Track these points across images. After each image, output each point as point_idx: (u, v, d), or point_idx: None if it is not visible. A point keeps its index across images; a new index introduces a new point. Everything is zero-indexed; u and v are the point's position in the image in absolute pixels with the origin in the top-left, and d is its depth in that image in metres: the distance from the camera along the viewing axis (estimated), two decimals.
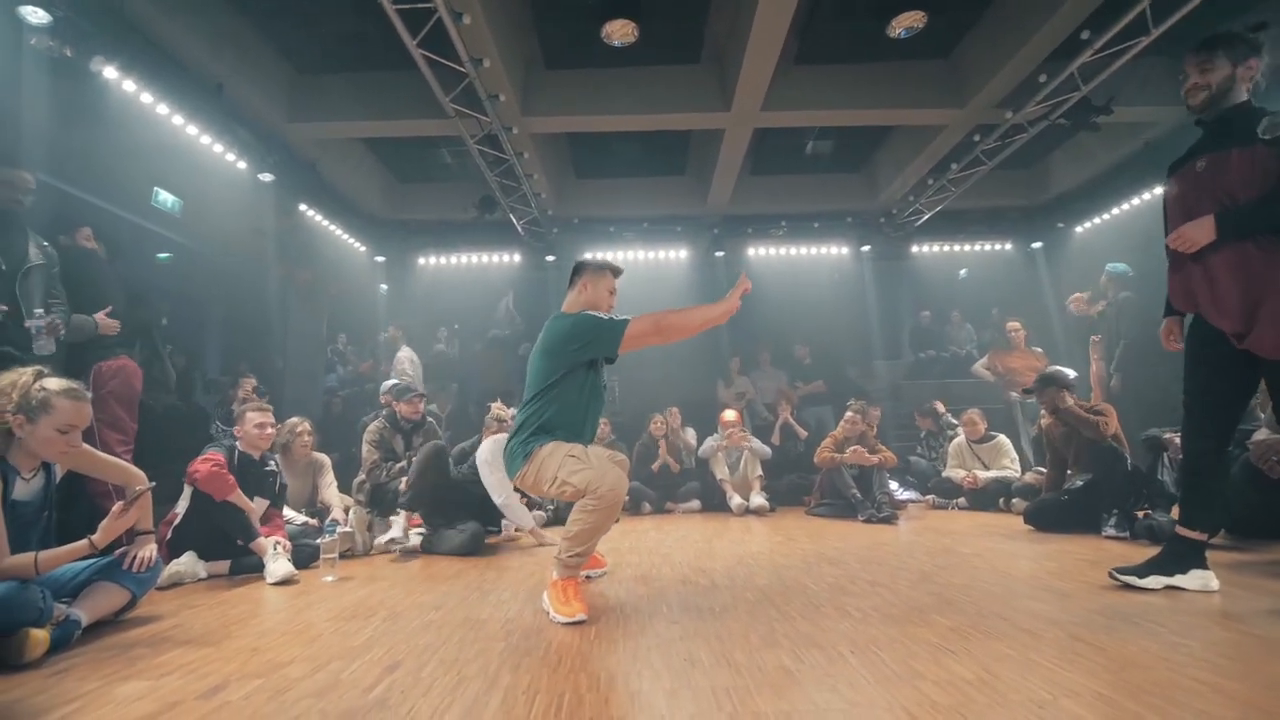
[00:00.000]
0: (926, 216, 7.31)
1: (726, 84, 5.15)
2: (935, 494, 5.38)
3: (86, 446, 1.92)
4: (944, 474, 5.39)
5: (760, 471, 5.53)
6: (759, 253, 8.14)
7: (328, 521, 3.49)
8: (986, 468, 5.16)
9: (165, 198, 5.09)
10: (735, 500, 5.32)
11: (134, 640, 1.81)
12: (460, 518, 3.57)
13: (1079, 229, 7.46)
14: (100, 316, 3.17)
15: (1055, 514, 3.72)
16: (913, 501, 5.58)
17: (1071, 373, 4.12)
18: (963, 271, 8.79)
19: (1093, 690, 1.33)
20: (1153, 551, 2.33)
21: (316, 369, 7.53)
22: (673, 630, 1.88)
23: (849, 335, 8.37)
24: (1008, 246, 8.30)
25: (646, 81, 5.34)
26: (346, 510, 3.63)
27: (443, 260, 8.14)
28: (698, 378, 7.65)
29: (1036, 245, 8.04)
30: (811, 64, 5.30)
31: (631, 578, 2.71)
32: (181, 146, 4.51)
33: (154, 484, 2.02)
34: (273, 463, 3.26)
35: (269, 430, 3.12)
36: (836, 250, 8.25)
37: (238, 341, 6.99)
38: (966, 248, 8.35)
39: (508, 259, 8.00)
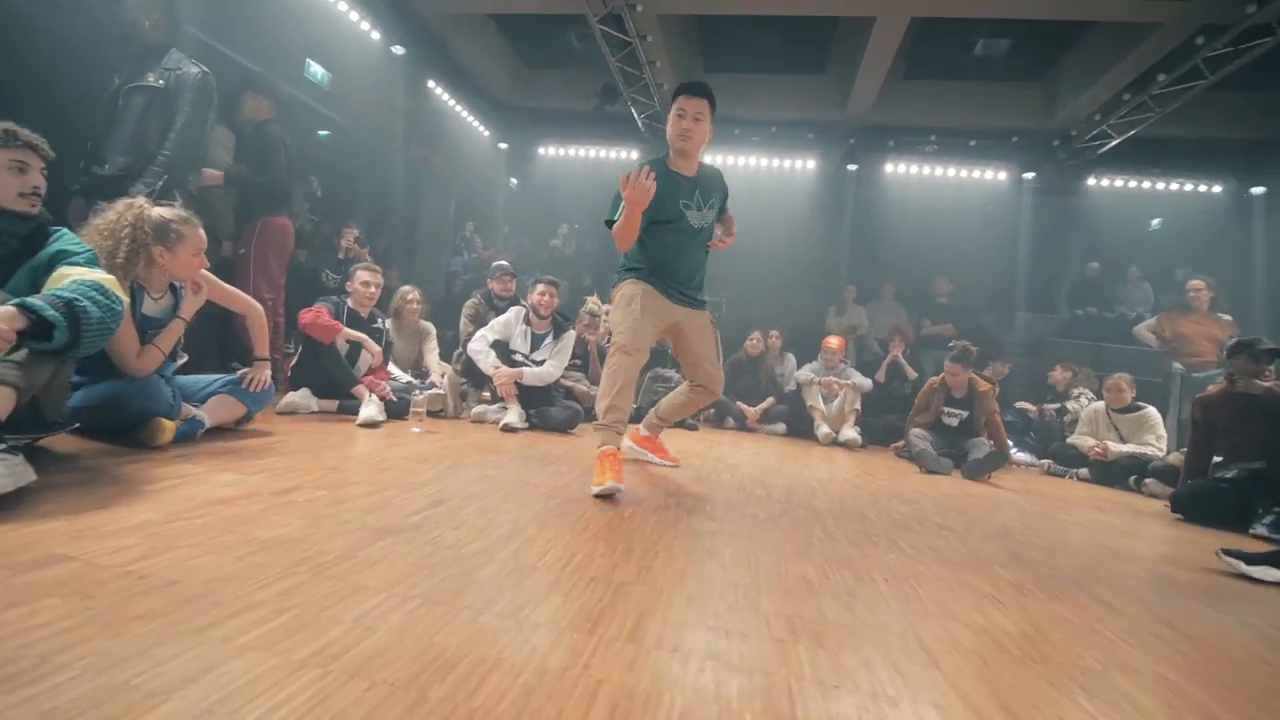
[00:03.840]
0: (1115, 142, 6.07)
1: None
2: (1054, 459, 4.83)
3: (213, 276, 2.19)
4: (1069, 439, 4.80)
5: (858, 405, 5.25)
6: (898, 170, 7.30)
7: (425, 382, 3.83)
8: (1124, 440, 4.51)
9: (316, 70, 5.40)
10: (822, 430, 5.13)
11: (242, 446, 2.12)
12: (556, 400, 3.80)
13: None
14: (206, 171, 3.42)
15: (1210, 503, 3.16)
16: (1026, 465, 5.06)
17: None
18: (1155, 221, 7.33)
19: (1157, 673, 1.14)
20: None
21: (442, 250, 8.02)
22: (706, 525, 1.87)
23: (992, 278, 7.41)
24: (1216, 189, 6.76)
25: None
26: (443, 375, 3.93)
27: (562, 152, 8.11)
28: (808, 304, 7.24)
29: (1258, 190, 6.46)
30: None
31: (688, 476, 2.72)
32: (327, 18, 4.72)
33: (269, 299, 2.26)
34: (380, 322, 3.54)
35: (373, 290, 3.36)
36: (994, 175, 7.16)
37: (376, 217, 7.57)
38: (1160, 186, 6.89)
39: (626, 155, 7.81)
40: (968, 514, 2.62)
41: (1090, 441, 4.56)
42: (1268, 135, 6.08)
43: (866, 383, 5.35)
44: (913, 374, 5.61)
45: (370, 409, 2.89)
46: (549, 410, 3.70)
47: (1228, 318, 5.43)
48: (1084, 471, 4.56)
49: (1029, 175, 6.97)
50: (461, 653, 0.91)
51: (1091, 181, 6.93)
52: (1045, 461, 4.90)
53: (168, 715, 0.69)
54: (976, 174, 7.19)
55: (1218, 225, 6.77)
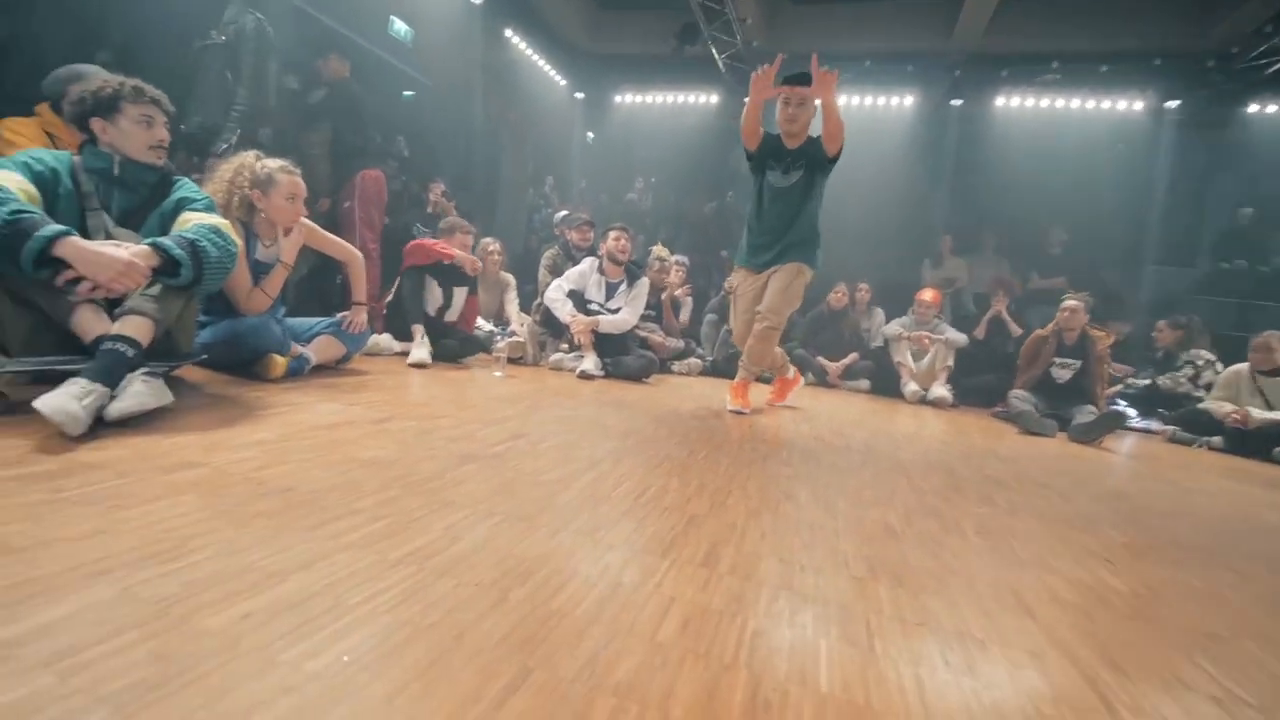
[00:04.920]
0: None
1: None
2: (1179, 426, 4.33)
3: (312, 224, 2.34)
4: (1202, 405, 4.28)
5: (950, 363, 4.94)
6: (1011, 104, 6.55)
7: (507, 330, 3.96)
8: (1270, 407, 3.97)
9: (400, 27, 5.52)
10: (910, 387, 4.87)
11: (343, 381, 2.29)
12: (631, 349, 3.84)
13: None
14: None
15: None
16: (1148, 431, 4.58)
17: None
18: None
19: None
20: None
21: (521, 205, 8.14)
22: (783, 470, 1.84)
23: (1118, 226, 6.57)
24: None
25: None
26: (523, 325, 4.05)
27: (639, 99, 7.90)
28: (902, 255, 6.77)
29: None
30: None
31: (764, 425, 2.68)
32: None
33: (374, 248, 2.39)
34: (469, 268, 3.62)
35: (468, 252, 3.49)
36: (1128, 106, 6.26)
37: (457, 174, 7.78)
38: None
39: (704, 100, 7.50)
40: (1074, 475, 2.42)
41: (1229, 407, 4.04)
42: None
43: (961, 338, 5.00)
44: (1017, 330, 5.16)
45: (420, 351, 2.98)
46: (624, 359, 3.73)
47: None
48: (1217, 440, 4.06)
49: (1172, 104, 6.05)
50: (540, 563, 0.94)
51: (1254, 110, 5.91)
52: (1170, 428, 4.41)
53: (287, 591, 0.76)
54: (1107, 105, 6.32)
55: None
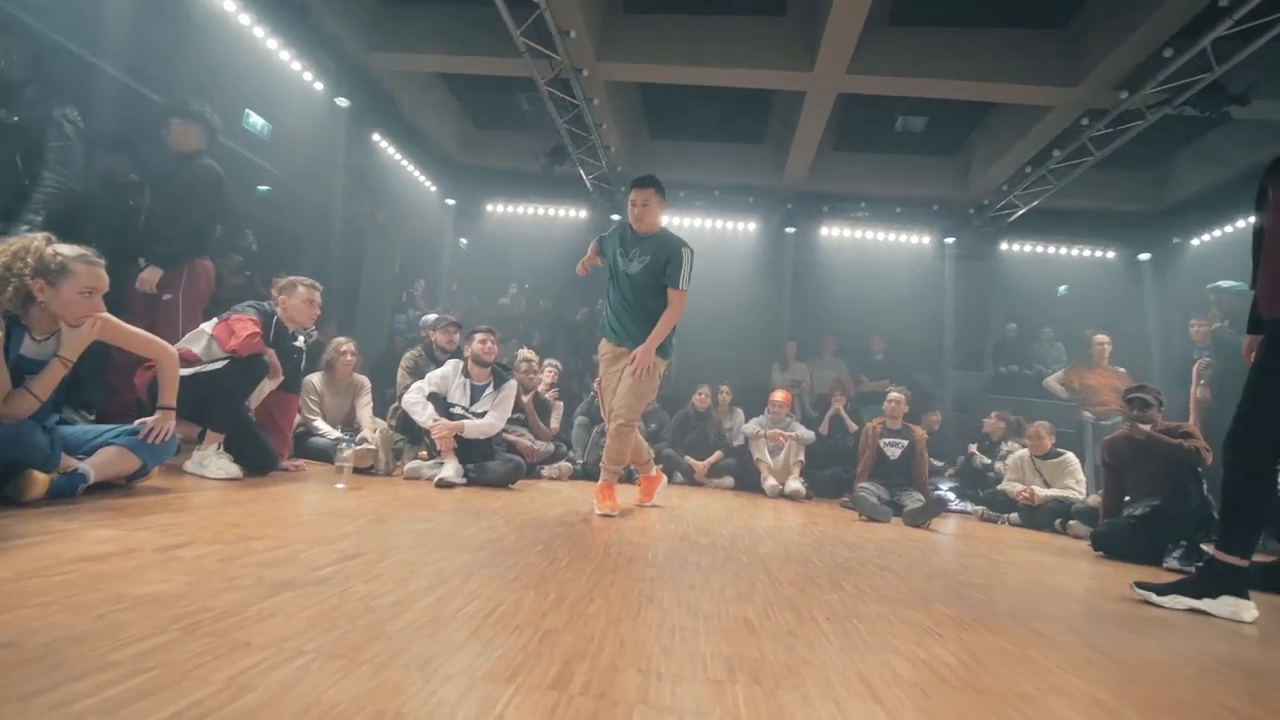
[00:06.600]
0: (1021, 211, 6.68)
1: (811, 40, 4.82)
2: (986, 506, 4.98)
3: (112, 317, 2.02)
4: (1000, 486, 4.98)
5: (801, 458, 5.32)
6: (833, 233, 7.73)
7: (356, 437, 3.62)
8: (1047, 485, 4.71)
9: (255, 120, 5.34)
10: (770, 482, 5.14)
11: (130, 502, 1.90)
12: (496, 454, 3.65)
13: (1196, 241, 6.60)
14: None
15: (1126, 539, 3.29)
16: (961, 513, 5.21)
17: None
18: (1062, 288, 8.01)
19: (1092, 696, 1.12)
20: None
21: (384, 306, 7.82)
22: (647, 572, 1.79)
23: (923, 336, 7.82)
24: (1110, 255, 7.47)
25: (727, 33, 5.08)
26: (375, 431, 3.74)
27: (512, 209, 8.16)
28: (752, 360, 7.40)
29: (1144, 257, 7.19)
30: (907, 25, 4.88)
31: (630, 526, 2.63)
32: (269, 68, 4.69)
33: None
34: (301, 339, 3.23)
35: (316, 310, 3.12)
36: (918, 239, 7.69)
37: (315, 271, 7.34)
38: (1063, 251, 7.57)
39: (574, 214, 7.95)
40: (908, 556, 2.62)
41: (1018, 487, 4.74)
42: (1149, 207, 6.84)
43: (810, 435, 5.45)
44: (854, 426, 5.75)
45: (220, 463, 2.58)
46: (488, 464, 3.55)
47: (1123, 370, 5.88)
48: (1015, 516, 4.71)
49: (950, 240, 7.52)
50: (354, 708, 0.79)
51: (1005, 247, 7.54)
52: (979, 508, 5.05)
53: None
54: (903, 239, 7.71)
55: (1113, 286, 7.46)
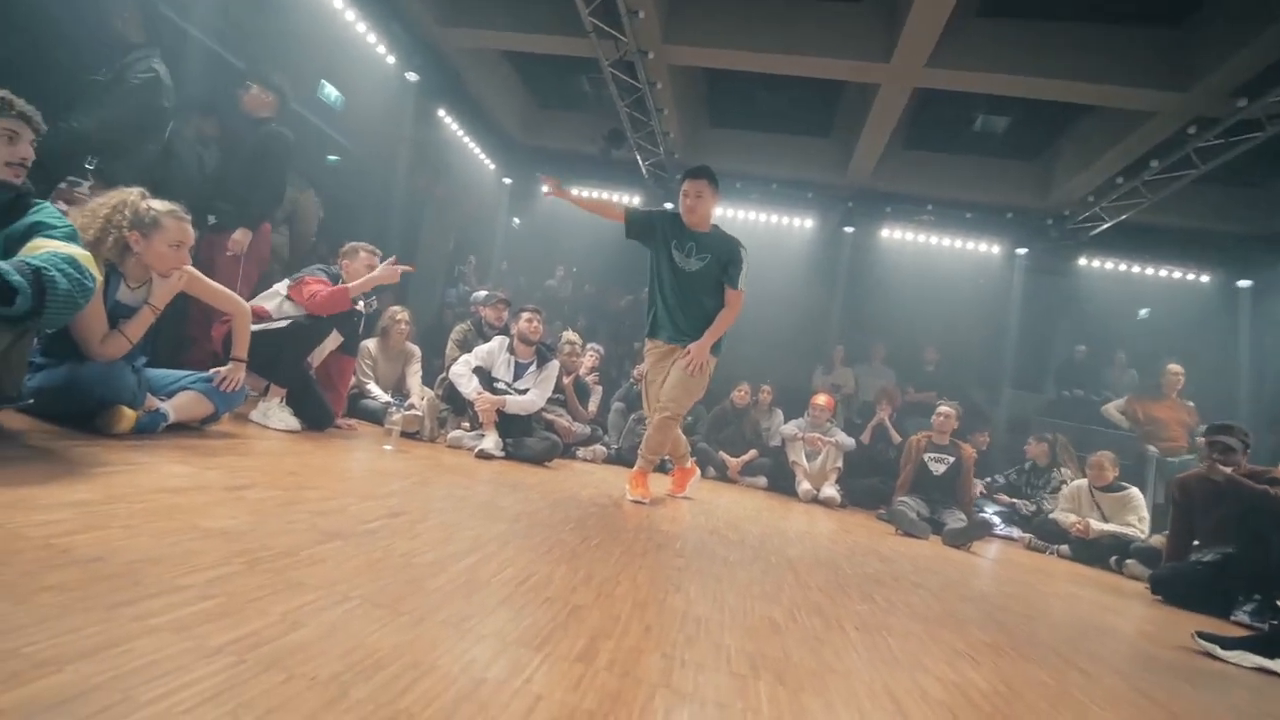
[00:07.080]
0: (1106, 225, 6.25)
1: (891, 30, 4.60)
2: (1034, 534, 4.76)
3: (197, 271, 2.17)
4: (1052, 515, 4.74)
5: (839, 464, 5.21)
6: (894, 236, 7.43)
7: (405, 403, 3.76)
8: (1105, 519, 4.46)
9: (330, 91, 5.53)
10: (803, 486, 5.06)
11: (202, 443, 2.05)
12: (535, 431, 3.74)
13: None
14: None
15: (1190, 585, 3.09)
16: (1006, 538, 4.99)
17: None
18: (1144, 311, 7.46)
19: None
20: None
21: (437, 279, 8.04)
22: (674, 561, 1.80)
23: (980, 351, 7.47)
24: (1204, 278, 6.91)
25: (799, 19, 4.90)
26: (423, 398, 3.87)
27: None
28: (797, 361, 7.27)
29: (1244, 283, 6.61)
30: (997, 16, 4.57)
31: (661, 515, 2.65)
32: (345, 40, 4.84)
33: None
34: (362, 304, 3.28)
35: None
36: (987, 248, 7.30)
37: (374, 241, 7.59)
38: (1149, 271, 7.04)
39: (627, 201, 7.93)
40: (944, 576, 2.55)
41: (1072, 518, 4.50)
42: (1255, 230, 6.27)
43: (850, 442, 5.32)
44: (898, 438, 5.57)
45: (279, 415, 2.71)
46: (527, 440, 3.63)
47: (1191, 404, 5.47)
48: (1065, 548, 4.48)
49: (1022, 251, 7.12)
50: (394, 655, 0.84)
51: (1083, 262, 7.08)
52: (1027, 536, 4.83)
53: (53, 686, 0.62)
54: (970, 246, 7.35)
55: (1204, 314, 6.90)
